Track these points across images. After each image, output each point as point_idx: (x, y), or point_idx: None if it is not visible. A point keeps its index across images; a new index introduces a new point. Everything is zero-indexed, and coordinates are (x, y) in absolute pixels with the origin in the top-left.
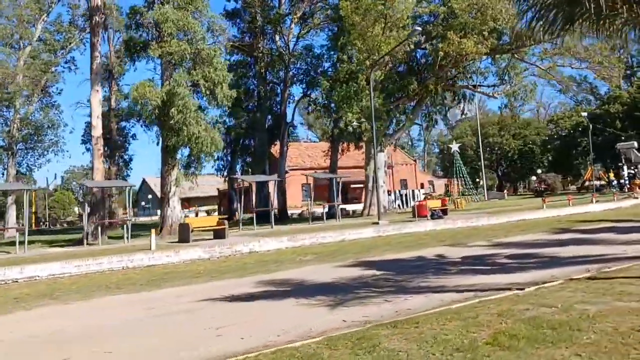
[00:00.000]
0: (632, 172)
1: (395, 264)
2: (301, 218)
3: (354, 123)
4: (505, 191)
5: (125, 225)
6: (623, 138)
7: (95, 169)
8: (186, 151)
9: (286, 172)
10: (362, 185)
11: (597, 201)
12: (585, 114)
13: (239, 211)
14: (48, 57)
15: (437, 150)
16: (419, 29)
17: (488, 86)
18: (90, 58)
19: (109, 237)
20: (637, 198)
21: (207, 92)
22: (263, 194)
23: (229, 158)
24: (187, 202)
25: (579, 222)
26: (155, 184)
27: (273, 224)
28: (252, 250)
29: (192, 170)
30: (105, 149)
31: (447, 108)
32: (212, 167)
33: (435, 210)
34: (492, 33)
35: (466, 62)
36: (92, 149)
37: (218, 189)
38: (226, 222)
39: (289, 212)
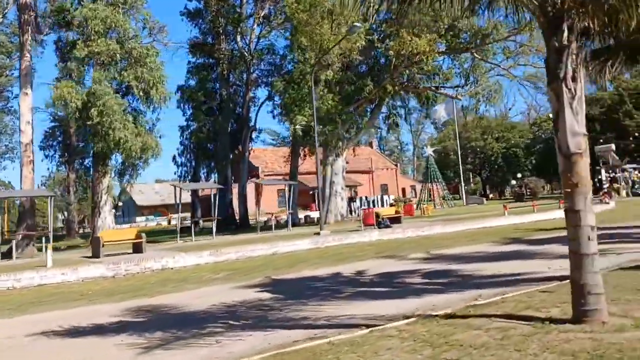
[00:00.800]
0: (610, 175)
1: (300, 283)
2: (265, 226)
3: (298, 126)
4: (490, 195)
5: (44, 237)
6: (601, 141)
7: (23, 177)
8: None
9: (249, 178)
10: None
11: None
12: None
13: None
14: (2, 60)
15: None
16: (359, 25)
17: (452, 87)
18: (19, 58)
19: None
20: (607, 203)
21: (141, 94)
22: (225, 202)
23: (193, 163)
24: (165, 209)
25: (536, 230)
26: (128, 189)
27: (215, 234)
28: (164, 266)
29: (126, 178)
30: (66, 154)
31: (407, 110)
32: (175, 173)
33: (383, 219)
34: (449, 31)
35: (421, 62)
36: (20, 156)
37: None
38: (144, 235)
39: (262, 219)
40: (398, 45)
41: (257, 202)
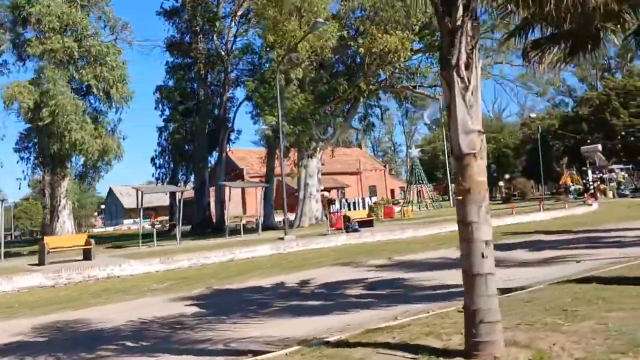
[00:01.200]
0: (597, 176)
1: (238, 295)
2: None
3: (267, 126)
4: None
5: None
6: (589, 141)
7: None
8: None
9: (225, 180)
10: (327, 192)
11: (545, 209)
12: (534, 115)
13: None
14: None
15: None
16: (322, 21)
17: (430, 87)
18: None
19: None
20: (590, 205)
21: (101, 94)
22: (202, 204)
23: (172, 165)
24: (153, 212)
25: (510, 234)
26: (121, 192)
27: (179, 239)
28: (110, 275)
29: (88, 180)
30: (40, 157)
31: (383, 110)
32: (153, 175)
33: (352, 223)
34: (425, 29)
35: (394, 61)
36: None
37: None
38: (93, 241)
39: (242, 222)
40: (368, 42)
41: (223, 206)
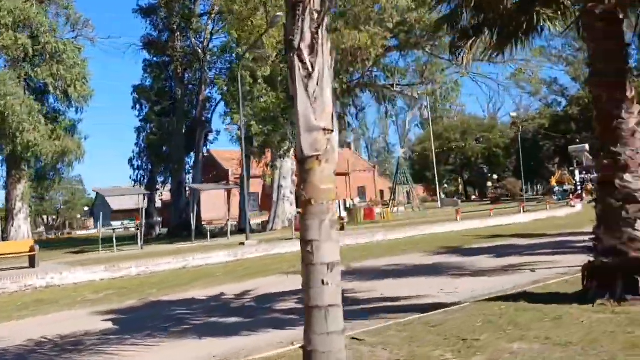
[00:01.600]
0: (584, 177)
1: (164, 309)
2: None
3: (228, 125)
4: (473, 197)
5: None
6: (578, 141)
7: None
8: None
9: (202, 181)
10: None
11: (527, 211)
12: (514, 114)
13: (156, 226)
14: None
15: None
16: (281, 14)
17: (408, 85)
18: None
19: None
20: (574, 207)
21: (59, 93)
22: (179, 207)
23: (149, 167)
24: (137, 214)
25: (484, 237)
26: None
27: (141, 244)
28: (50, 284)
29: (48, 182)
30: None
31: (358, 109)
32: (130, 177)
33: None
34: (400, 26)
35: (366, 58)
36: None
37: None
38: (37, 247)
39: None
40: (336, 38)
41: (192, 209)
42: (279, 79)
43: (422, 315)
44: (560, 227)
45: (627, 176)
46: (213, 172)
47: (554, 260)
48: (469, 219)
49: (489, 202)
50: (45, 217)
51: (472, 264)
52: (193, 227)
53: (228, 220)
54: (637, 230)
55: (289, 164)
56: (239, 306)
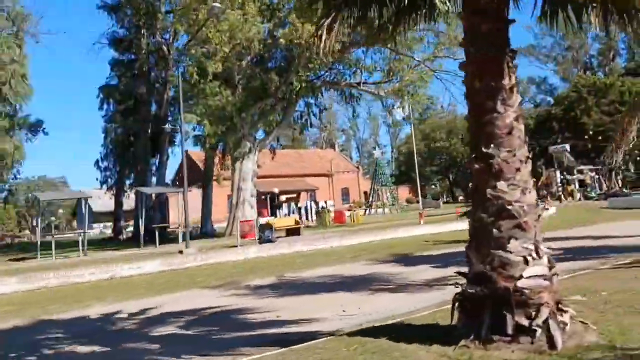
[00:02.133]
0: (565, 177)
1: (38, 330)
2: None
3: (168, 126)
4: (460, 198)
5: None
6: (559, 141)
7: None
8: None
9: (167, 184)
10: (294, 195)
11: None
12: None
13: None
14: None
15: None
16: (218, 5)
17: (375, 83)
18: None
19: None
20: (547, 209)
21: None
22: (146, 210)
23: (118, 169)
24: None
25: (443, 243)
26: (91, 196)
27: (82, 250)
28: None
29: None
30: None
31: (321, 108)
32: (97, 179)
33: (265, 231)
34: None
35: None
36: None
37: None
38: None
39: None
40: (289, 33)
41: (140, 213)
42: (239, 77)
43: (266, 353)
44: None
45: (500, 184)
46: (191, 173)
47: None
48: (436, 222)
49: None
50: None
51: (406, 276)
52: (141, 232)
53: (179, 225)
54: (510, 252)
55: (249, 165)
56: (116, 330)
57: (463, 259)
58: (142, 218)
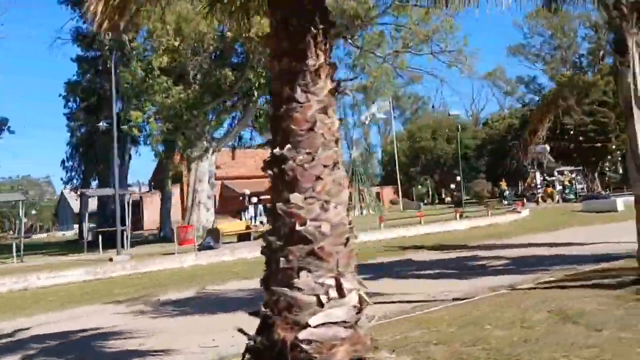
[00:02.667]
0: (545, 179)
1: None
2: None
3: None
4: (447, 199)
5: None
6: (540, 141)
7: None
8: None
9: (129, 185)
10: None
11: (466, 216)
12: (456, 112)
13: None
14: None
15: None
16: None
17: (339, 80)
18: None
19: None
20: (519, 212)
21: None
22: (107, 212)
23: (83, 168)
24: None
25: (393, 249)
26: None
27: (19, 257)
28: None
29: None
30: None
31: None
32: (61, 179)
33: (206, 238)
34: None
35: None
36: None
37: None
38: None
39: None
40: (241, 26)
41: (83, 217)
42: (193, 72)
43: None
44: (487, 237)
45: (294, 196)
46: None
47: (428, 286)
48: (401, 226)
49: (452, 205)
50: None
51: None
52: (85, 236)
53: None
54: (299, 289)
55: (205, 166)
56: None
57: (403, 268)
58: (85, 222)
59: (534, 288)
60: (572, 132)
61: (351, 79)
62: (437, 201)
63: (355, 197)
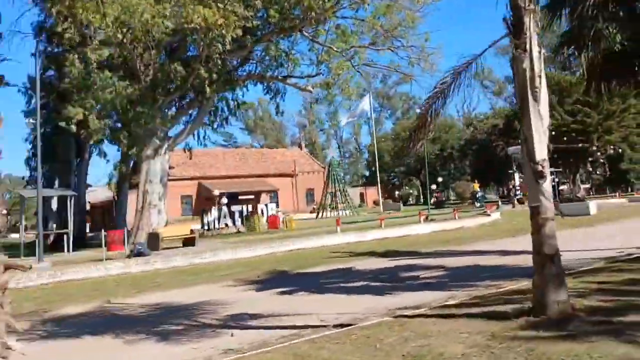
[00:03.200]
0: (523, 181)
1: None
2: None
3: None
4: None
5: None
6: (520, 141)
7: None
8: None
9: (89, 185)
10: (251, 197)
11: (431, 220)
12: (418, 110)
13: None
14: None
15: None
16: None
17: (304, 77)
18: None
19: None
20: (489, 215)
21: None
22: (62, 215)
23: (47, 168)
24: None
25: (341, 256)
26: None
27: None
28: None
29: None
30: None
31: (237, 103)
32: (23, 178)
33: (138, 243)
34: (275, 4)
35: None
36: None
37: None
38: None
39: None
40: (178, 17)
41: (20, 218)
42: (141, 67)
43: None
44: (448, 242)
45: None
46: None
47: (336, 303)
48: (351, 231)
49: (433, 207)
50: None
51: (229, 308)
52: (22, 239)
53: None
54: None
55: (157, 165)
56: None
57: (329, 280)
58: (22, 222)
59: (420, 316)
60: (553, 132)
61: (313, 76)
62: (422, 202)
63: (329, 198)
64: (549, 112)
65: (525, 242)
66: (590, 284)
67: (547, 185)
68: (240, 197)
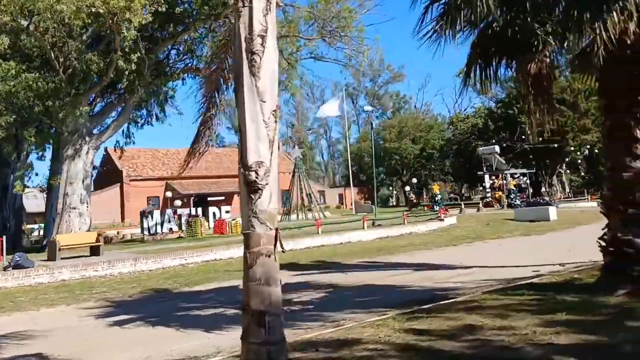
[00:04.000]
0: (493, 182)
1: None
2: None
3: None
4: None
5: None
6: (494, 141)
7: None
8: None
9: (26, 186)
10: (222, 198)
11: (378, 225)
12: (369, 108)
13: None
14: None
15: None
16: None
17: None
18: None
19: None
20: (442, 220)
21: None
22: (2, 217)
23: None
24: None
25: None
26: (26, 196)
27: None
28: None
29: None
30: None
31: (165, 98)
32: None
33: (17, 254)
34: None
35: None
36: None
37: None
38: None
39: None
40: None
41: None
42: (60, 58)
43: None
44: (376, 252)
45: None
46: (108, 173)
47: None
48: (289, 237)
49: (407, 209)
50: None
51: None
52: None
53: None
54: None
55: (79, 165)
56: None
57: (215, 301)
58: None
59: None
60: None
61: None
62: (403, 203)
63: (293, 200)
64: (277, 92)
65: (456, 253)
66: (407, 332)
67: (264, 203)
68: (209, 199)
